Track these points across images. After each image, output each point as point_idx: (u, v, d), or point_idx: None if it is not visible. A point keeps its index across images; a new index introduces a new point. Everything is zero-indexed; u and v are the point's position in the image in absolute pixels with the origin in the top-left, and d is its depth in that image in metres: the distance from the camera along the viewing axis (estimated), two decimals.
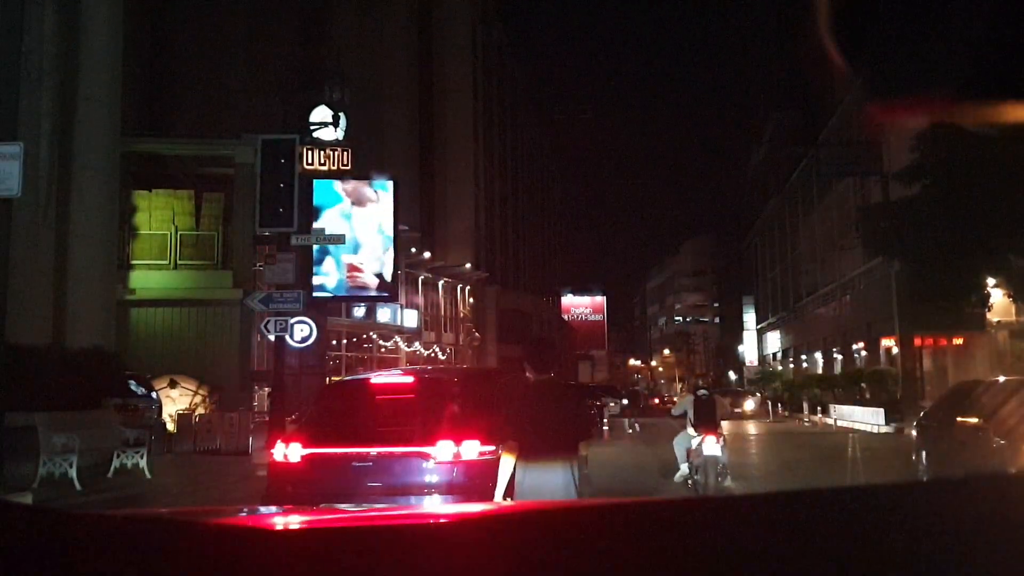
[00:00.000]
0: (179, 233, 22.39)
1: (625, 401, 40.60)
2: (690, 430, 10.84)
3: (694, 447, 10.67)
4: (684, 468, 11.12)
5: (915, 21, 0.88)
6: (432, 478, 5.81)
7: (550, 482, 4.71)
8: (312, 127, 21.05)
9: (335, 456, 6.12)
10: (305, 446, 6.11)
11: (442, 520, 1.65)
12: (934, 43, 0.87)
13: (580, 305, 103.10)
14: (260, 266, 17.14)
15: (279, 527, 1.65)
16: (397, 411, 6.41)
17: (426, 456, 5.81)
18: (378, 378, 6.78)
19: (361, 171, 27.34)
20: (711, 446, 10.39)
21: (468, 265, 46.55)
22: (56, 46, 13.42)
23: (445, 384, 6.94)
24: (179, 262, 22.38)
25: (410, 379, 6.84)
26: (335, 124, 20.85)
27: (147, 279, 21.92)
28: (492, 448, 5.49)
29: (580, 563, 0.93)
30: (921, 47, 0.88)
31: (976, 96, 0.89)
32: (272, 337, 13.46)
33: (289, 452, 6.08)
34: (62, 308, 14.05)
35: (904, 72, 0.89)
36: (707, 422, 10.64)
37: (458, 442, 5.85)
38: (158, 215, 22.47)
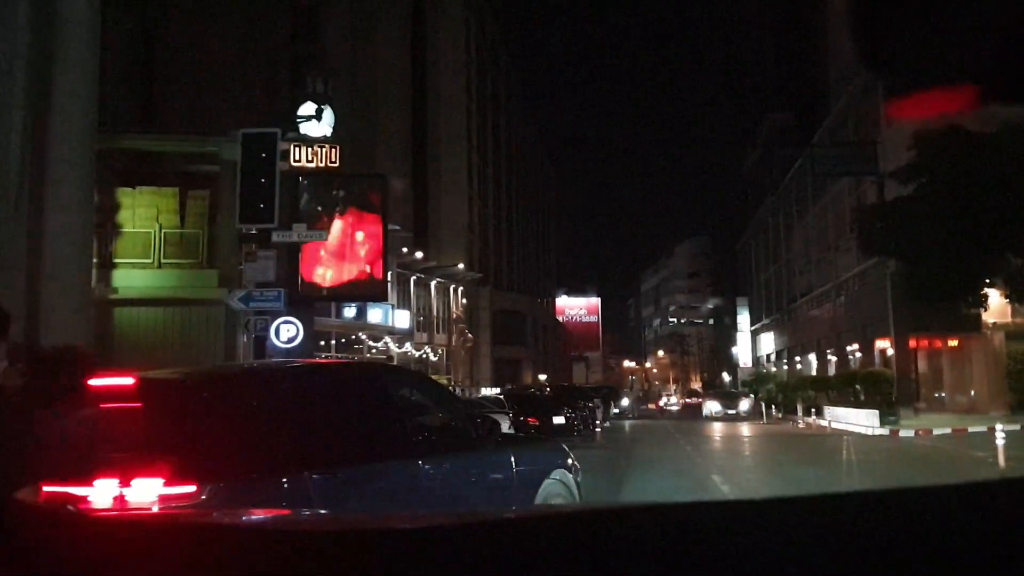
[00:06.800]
0: (163, 231, 21.94)
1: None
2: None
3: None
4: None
5: (933, 18, 0.85)
6: None
7: None
8: (298, 120, 20.63)
9: None
10: None
11: (442, 523, 1.61)
12: (952, 40, 0.84)
13: (575, 306, 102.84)
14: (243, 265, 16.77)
15: (279, 527, 1.63)
16: (100, 430, 4.52)
17: (75, 499, 3.87)
18: (97, 381, 4.58)
19: (353, 170, 26.99)
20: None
21: (461, 265, 46.21)
22: (30, 36, 13.02)
23: (183, 389, 4.78)
24: (163, 261, 21.92)
25: (130, 381, 4.51)
26: (318, 117, 20.39)
27: (130, 278, 21.48)
28: (191, 489, 3.86)
29: (582, 567, 0.94)
30: (939, 44, 0.85)
31: (993, 94, 0.83)
32: (252, 337, 13.10)
33: None
34: (35, 306, 13.66)
35: (922, 69, 0.87)
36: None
37: (125, 480, 3.84)
38: (142, 213, 22.02)
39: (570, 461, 6.89)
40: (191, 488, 3.87)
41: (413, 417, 5.87)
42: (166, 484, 3.86)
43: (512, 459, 6.16)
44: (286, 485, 4.28)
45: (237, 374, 5.59)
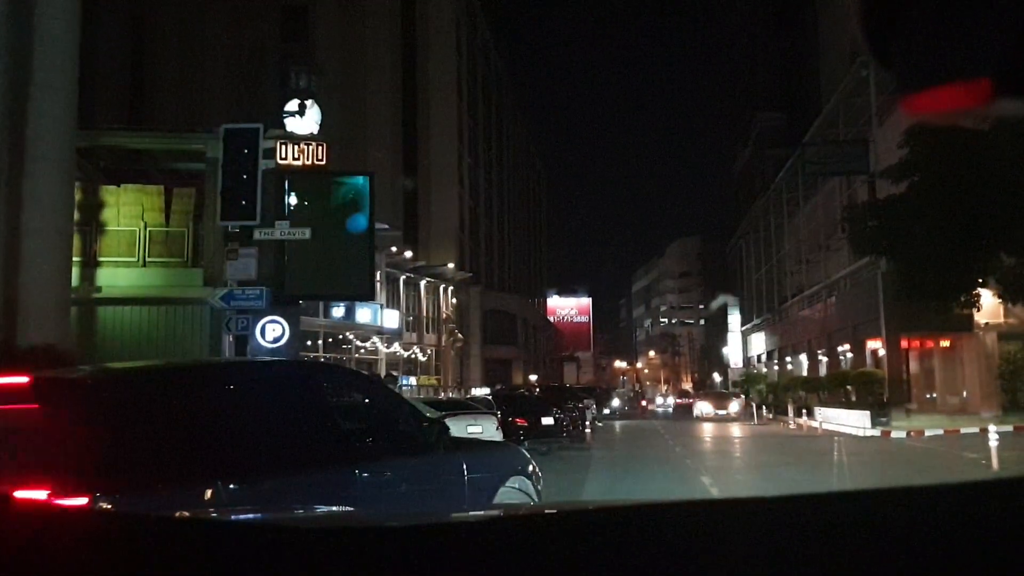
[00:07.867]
0: (148, 229, 21.64)
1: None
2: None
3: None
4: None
5: (948, 11, 0.84)
6: None
7: None
8: (283, 115, 20.40)
9: None
10: None
11: (444, 523, 1.59)
12: (968, 34, 0.82)
13: (566, 307, 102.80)
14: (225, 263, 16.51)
15: (276, 527, 1.63)
16: None
17: None
18: None
19: (342, 168, 26.70)
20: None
21: (451, 265, 45.94)
22: (6, 28, 12.76)
23: (85, 389, 4.28)
24: (148, 259, 21.63)
25: (24, 380, 4.00)
26: (300, 113, 20.13)
27: (115, 277, 21.19)
28: (82, 503, 3.45)
29: (585, 567, 0.93)
30: (954, 38, 0.83)
31: (1010, 90, 0.81)
32: (233, 336, 12.84)
33: None
34: (13, 305, 13.38)
35: (936, 65, 0.85)
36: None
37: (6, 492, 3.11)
38: (126, 211, 21.72)
39: (531, 467, 6.40)
40: (81, 501, 3.47)
41: (351, 420, 5.40)
42: (51, 496, 3.46)
43: (464, 465, 5.69)
44: (194, 497, 3.86)
45: (147, 373, 5.06)
